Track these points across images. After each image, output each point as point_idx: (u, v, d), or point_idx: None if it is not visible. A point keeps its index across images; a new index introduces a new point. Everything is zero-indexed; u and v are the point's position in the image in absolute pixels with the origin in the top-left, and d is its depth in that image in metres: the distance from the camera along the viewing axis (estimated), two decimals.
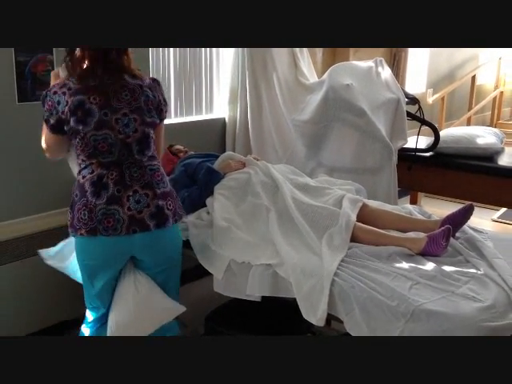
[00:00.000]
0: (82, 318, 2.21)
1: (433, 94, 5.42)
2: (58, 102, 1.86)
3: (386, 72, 3.58)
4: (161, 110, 2.02)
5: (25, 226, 2.60)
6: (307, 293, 1.89)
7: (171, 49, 3.25)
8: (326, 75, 3.43)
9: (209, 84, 3.53)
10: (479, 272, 1.96)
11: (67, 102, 1.84)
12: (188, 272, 3.32)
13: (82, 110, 1.84)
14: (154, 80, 2.04)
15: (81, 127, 1.84)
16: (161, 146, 2.12)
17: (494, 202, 3.88)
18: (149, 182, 1.93)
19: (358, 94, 3.29)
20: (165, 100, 2.06)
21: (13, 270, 2.56)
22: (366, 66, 3.54)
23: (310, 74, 3.68)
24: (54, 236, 2.59)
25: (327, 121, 3.30)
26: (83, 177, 1.90)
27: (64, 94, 1.85)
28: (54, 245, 2.59)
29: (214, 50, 3.49)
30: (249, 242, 2.20)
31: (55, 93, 1.87)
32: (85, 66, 1.89)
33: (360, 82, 3.38)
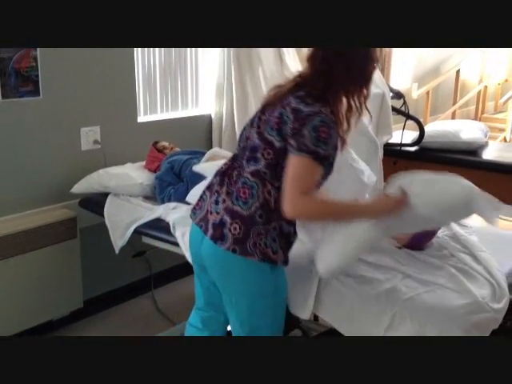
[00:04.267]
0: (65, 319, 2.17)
1: (418, 89, 5.44)
2: None
3: None
4: (286, 136, 1.65)
5: (7, 225, 2.57)
6: (294, 285, 1.90)
7: None
8: None
9: (194, 79, 3.51)
10: (464, 265, 1.98)
11: None
12: (175, 269, 3.33)
13: None
14: (314, 116, 1.62)
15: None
16: (287, 183, 1.64)
17: None
18: (231, 192, 1.71)
19: None
20: (300, 131, 1.61)
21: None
22: None
23: (295, 69, 3.67)
24: (38, 234, 2.58)
25: None
26: None
27: None
28: (38, 244, 2.58)
29: None
30: None
31: None
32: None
33: None
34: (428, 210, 1.71)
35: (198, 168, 2.49)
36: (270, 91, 1.79)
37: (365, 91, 1.75)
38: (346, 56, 1.68)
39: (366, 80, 1.75)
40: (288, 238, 1.74)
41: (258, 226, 1.67)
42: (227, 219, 1.69)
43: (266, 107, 1.75)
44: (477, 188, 1.75)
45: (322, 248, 1.79)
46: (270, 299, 1.76)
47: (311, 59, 1.76)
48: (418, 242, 2.08)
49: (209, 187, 1.83)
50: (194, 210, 1.86)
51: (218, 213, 1.72)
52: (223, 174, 1.78)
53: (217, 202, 1.74)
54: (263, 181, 1.69)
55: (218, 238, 1.70)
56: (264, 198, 1.68)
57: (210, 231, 1.72)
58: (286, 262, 1.75)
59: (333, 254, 1.76)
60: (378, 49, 1.74)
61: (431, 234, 2.10)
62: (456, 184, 1.75)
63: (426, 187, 1.73)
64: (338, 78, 1.69)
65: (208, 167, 2.47)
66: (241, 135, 1.82)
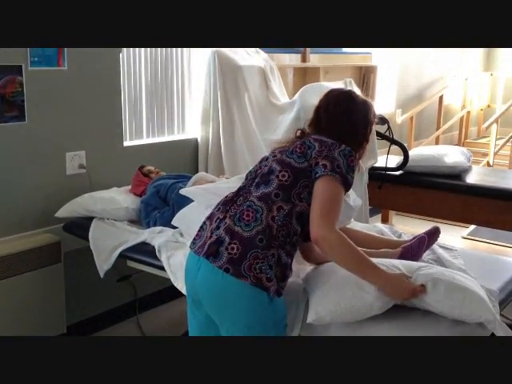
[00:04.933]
0: None
1: (402, 114, 5.52)
2: None
3: None
4: (311, 159, 1.73)
5: None
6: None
7: (143, 68, 3.26)
8: (296, 96, 3.46)
9: (181, 104, 3.54)
10: None
11: None
12: (161, 293, 3.31)
13: None
14: (339, 145, 1.75)
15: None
16: (317, 205, 1.68)
17: (462, 219, 3.95)
18: (234, 214, 1.72)
19: None
20: (328, 158, 1.71)
21: None
22: (335, 86, 3.59)
23: (281, 95, 3.72)
24: (22, 259, 2.56)
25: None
26: None
27: None
28: (22, 269, 2.55)
29: (185, 70, 3.50)
30: None
31: None
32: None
33: None
34: (436, 311, 1.71)
35: (185, 191, 2.49)
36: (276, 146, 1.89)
37: (361, 151, 1.91)
38: (350, 120, 1.86)
39: (366, 140, 1.92)
40: (284, 270, 1.70)
41: (256, 250, 1.65)
42: (226, 238, 1.67)
43: (277, 149, 1.85)
44: (497, 315, 1.73)
45: (319, 298, 1.76)
46: (269, 332, 1.69)
47: (315, 123, 1.91)
48: (409, 258, 2.08)
49: (209, 217, 1.82)
50: (193, 241, 1.82)
51: (217, 234, 1.71)
52: (226, 203, 1.79)
53: (218, 227, 1.73)
54: (270, 205, 1.69)
55: (211, 254, 1.67)
56: (267, 224, 1.67)
57: (205, 249, 1.70)
58: (278, 293, 1.67)
59: (328, 313, 1.72)
60: (372, 112, 1.94)
61: (423, 242, 2.11)
62: (481, 306, 1.69)
63: (447, 298, 1.68)
64: (346, 138, 1.81)
65: (194, 191, 2.47)
66: (249, 172, 1.88)
